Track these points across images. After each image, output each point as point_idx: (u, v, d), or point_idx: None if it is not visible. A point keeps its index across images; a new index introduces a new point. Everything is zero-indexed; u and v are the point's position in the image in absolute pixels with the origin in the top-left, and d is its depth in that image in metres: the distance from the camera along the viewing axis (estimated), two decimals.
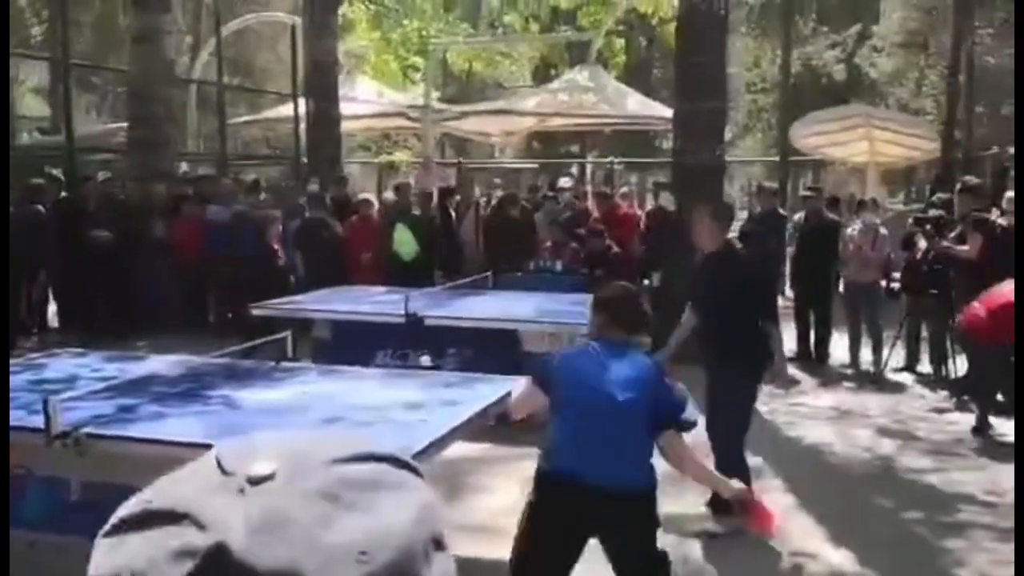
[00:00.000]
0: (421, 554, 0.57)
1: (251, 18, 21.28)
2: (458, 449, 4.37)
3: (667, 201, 9.80)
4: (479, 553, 4.17)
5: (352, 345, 6.77)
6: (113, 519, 0.58)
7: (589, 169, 22.84)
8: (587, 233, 9.42)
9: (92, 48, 21.54)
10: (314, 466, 0.58)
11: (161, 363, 5.04)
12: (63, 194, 10.59)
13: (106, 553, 0.57)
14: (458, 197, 12.12)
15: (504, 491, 5.56)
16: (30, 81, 23.33)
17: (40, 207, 9.78)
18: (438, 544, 0.60)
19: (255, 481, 0.57)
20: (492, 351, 6.51)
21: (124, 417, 3.86)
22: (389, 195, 11.99)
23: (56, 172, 10.97)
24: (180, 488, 0.58)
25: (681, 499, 4.96)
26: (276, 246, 9.48)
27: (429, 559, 0.58)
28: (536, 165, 22.36)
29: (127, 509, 0.58)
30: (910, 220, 9.49)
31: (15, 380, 4.48)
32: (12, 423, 3.65)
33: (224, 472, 0.58)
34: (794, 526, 5.01)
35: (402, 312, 6.89)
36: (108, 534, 0.58)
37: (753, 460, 6.08)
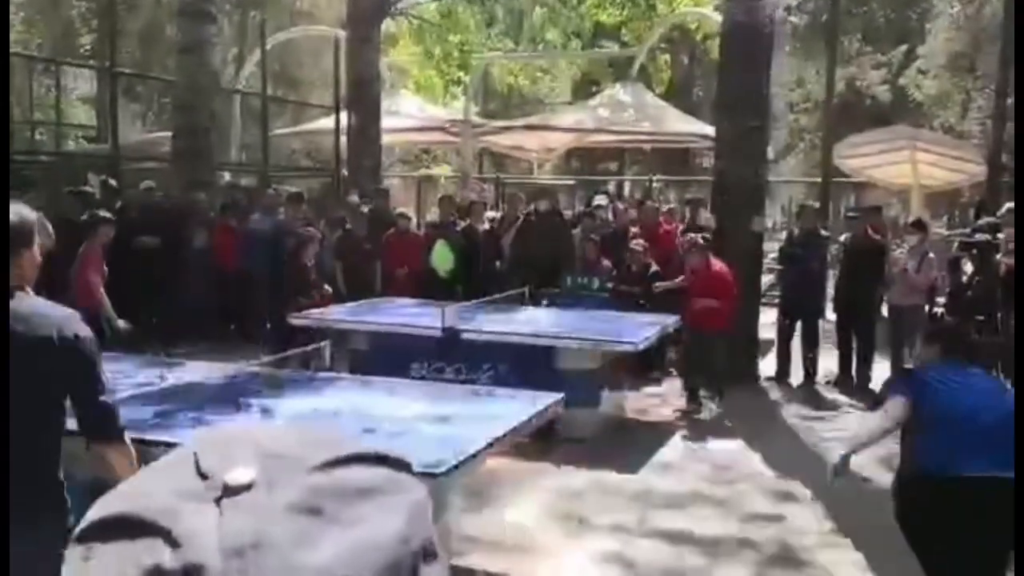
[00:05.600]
0: (408, 568, 0.54)
1: (296, 31, 21.51)
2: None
3: (707, 220, 9.70)
4: (494, 567, 4.14)
5: (388, 357, 6.78)
6: (85, 521, 0.56)
7: (627, 187, 22.74)
8: (628, 251, 9.29)
9: (139, 58, 21.86)
10: (294, 474, 0.55)
11: (199, 370, 5.07)
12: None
13: (76, 567, 0.54)
14: (495, 213, 12.03)
15: (521, 506, 5.53)
16: (79, 90, 23.73)
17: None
18: (428, 554, 0.56)
19: (232, 491, 0.53)
20: (527, 367, 6.48)
21: (161, 423, 3.88)
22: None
23: (108, 179, 11.03)
24: (156, 491, 0.55)
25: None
26: (310, 263, 9.55)
27: (418, 574, 0.54)
28: (573, 182, 22.31)
29: (100, 511, 0.56)
30: (956, 244, 9.32)
31: None
32: None
33: (201, 474, 0.55)
34: (833, 552, 4.91)
35: (439, 325, 6.90)
36: (80, 539, 0.55)
37: (791, 484, 6.01)
